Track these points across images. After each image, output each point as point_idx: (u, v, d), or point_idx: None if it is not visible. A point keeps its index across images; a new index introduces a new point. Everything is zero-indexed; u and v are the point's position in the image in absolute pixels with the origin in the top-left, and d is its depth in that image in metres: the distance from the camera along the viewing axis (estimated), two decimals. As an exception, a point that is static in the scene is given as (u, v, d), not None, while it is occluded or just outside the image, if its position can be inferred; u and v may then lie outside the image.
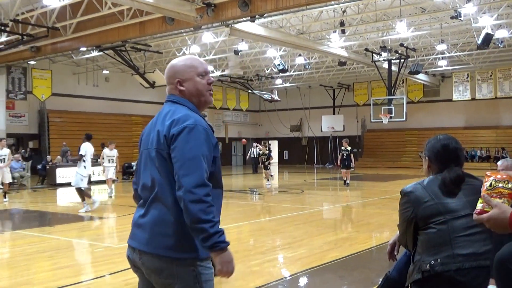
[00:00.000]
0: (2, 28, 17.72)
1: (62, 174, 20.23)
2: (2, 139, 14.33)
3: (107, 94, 30.25)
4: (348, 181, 18.61)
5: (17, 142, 26.59)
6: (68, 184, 19.74)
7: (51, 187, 19.51)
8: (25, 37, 18.45)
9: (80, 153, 12.04)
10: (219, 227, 2.19)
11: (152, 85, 23.39)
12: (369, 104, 28.22)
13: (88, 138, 12.39)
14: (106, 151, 16.13)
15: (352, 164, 18.70)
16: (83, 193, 12.02)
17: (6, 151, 14.07)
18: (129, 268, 2.52)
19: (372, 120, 27.52)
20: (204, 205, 2.15)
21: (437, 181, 2.66)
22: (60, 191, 18.50)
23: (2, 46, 19.80)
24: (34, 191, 18.58)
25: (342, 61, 25.73)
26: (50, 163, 21.39)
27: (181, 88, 2.45)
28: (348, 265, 6.61)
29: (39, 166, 21.73)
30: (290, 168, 34.72)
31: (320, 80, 34.78)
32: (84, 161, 11.97)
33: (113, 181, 16.69)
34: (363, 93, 36.10)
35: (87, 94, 29.40)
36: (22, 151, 24.04)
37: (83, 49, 21.60)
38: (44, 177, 21.23)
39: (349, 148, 18.73)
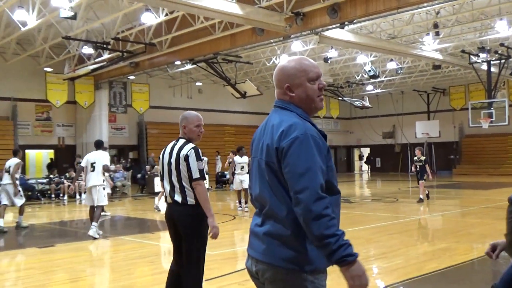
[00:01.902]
0: (105, 46, 18.96)
1: (159, 183, 21.12)
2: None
3: (200, 105, 31.20)
4: (421, 196, 16.20)
5: (119, 153, 28.27)
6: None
7: (150, 196, 20.43)
8: (125, 54, 19.59)
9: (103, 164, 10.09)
10: (344, 238, 2.08)
11: (243, 95, 23.83)
12: (467, 109, 26.87)
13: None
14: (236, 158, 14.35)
15: (429, 176, 16.43)
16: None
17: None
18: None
19: (470, 125, 26.24)
20: (324, 219, 2.07)
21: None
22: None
23: (105, 63, 21.12)
24: (134, 199, 19.57)
25: (436, 64, 24.84)
26: (148, 172, 22.47)
27: (291, 94, 2.35)
28: (448, 277, 6.33)
29: (139, 176, 22.94)
30: (383, 176, 33.85)
31: (413, 85, 33.71)
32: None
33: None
34: (460, 97, 34.50)
35: (182, 106, 30.47)
36: (123, 161, 25.42)
37: (178, 62, 22.50)
38: (144, 186, 22.34)
39: (423, 158, 16.70)
